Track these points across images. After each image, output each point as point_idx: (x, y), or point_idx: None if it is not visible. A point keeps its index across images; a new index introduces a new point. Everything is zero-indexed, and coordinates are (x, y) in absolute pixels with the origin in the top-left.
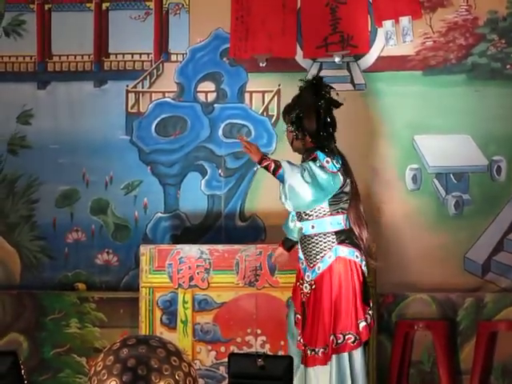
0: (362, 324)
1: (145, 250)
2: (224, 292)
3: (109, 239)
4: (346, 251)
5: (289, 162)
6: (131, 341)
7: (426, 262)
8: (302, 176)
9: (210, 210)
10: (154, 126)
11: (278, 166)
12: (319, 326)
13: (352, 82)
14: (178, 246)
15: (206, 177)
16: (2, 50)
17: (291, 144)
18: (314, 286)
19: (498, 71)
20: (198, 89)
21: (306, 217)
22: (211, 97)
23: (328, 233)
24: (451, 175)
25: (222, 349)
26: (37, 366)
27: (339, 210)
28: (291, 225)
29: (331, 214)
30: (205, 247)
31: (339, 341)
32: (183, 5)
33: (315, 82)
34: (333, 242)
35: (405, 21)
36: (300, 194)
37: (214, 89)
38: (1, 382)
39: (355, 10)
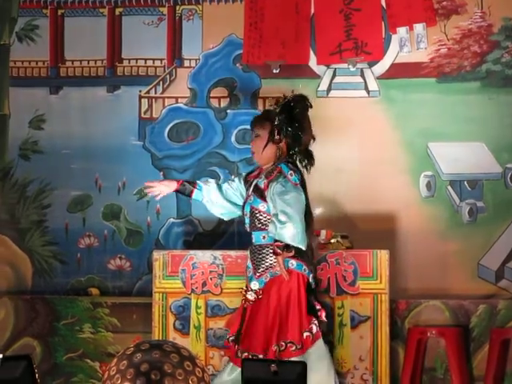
0: (306, 334)
1: (158, 256)
2: (237, 298)
3: (121, 244)
4: (294, 264)
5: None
6: (145, 346)
7: (439, 268)
8: (280, 221)
9: None
10: (166, 132)
11: (284, 245)
12: (264, 334)
13: (366, 88)
14: (192, 252)
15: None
16: (15, 55)
17: (261, 150)
18: (260, 296)
19: None
20: (211, 94)
21: (260, 225)
22: (224, 102)
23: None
24: (465, 182)
25: None
26: (50, 370)
27: None
28: (225, 192)
29: None
30: (218, 253)
31: (281, 348)
32: (196, 10)
33: (308, 101)
34: (287, 246)
35: (419, 28)
36: (293, 230)
37: (226, 94)
38: None
39: (369, 17)
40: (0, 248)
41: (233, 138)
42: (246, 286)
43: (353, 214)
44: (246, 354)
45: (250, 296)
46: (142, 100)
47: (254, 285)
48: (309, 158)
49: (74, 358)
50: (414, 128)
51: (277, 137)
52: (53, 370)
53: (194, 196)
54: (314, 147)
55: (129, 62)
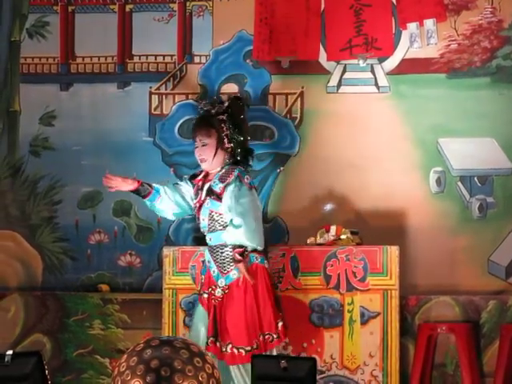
0: (280, 323)
1: (168, 252)
2: None
3: (131, 241)
4: (259, 258)
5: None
6: (154, 342)
7: (449, 264)
8: (235, 225)
9: None
10: (177, 128)
11: (243, 251)
12: (243, 325)
13: (376, 84)
14: (202, 248)
15: None
16: (26, 51)
17: (212, 158)
18: (227, 291)
19: None
20: (222, 90)
21: (220, 227)
22: None
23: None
24: (475, 178)
25: None
26: (60, 366)
27: None
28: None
29: None
30: None
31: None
32: (207, 7)
33: (242, 101)
34: (246, 250)
35: (429, 23)
36: (249, 232)
37: (237, 91)
38: (25, 382)
39: (379, 13)
40: (11, 244)
41: None
42: (214, 285)
43: (362, 209)
44: (230, 346)
45: (218, 293)
46: (153, 96)
47: (221, 282)
48: (250, 156)
49: (84, 354)
50: (424, 124)
51: (228, 145)
52: (63, 367)
53: (148, 198)
54: (324, 142)
55: (139, 59)
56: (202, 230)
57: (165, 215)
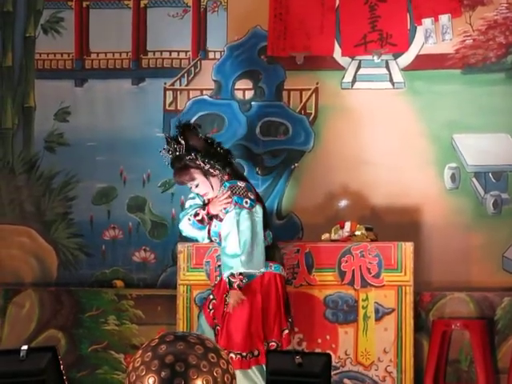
0: (285, 332)
1: (182, 248)
2: None
3: (146, 237)
4: (273, 266)
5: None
6: (169, 337)
7: (463, 260)
8: (232, 256)
9: None
10: None
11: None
12: (243, 332)
13: (391, 80)
14: (216, 245)
15: None
16: (41, 47)
17: (211, 189)
18: None
19: None
20: (236, 86)
21: None
22: (249, 94)
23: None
24: (490, 174)
25: None
26: (75, 362)
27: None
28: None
29: None
30: None
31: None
32: (221, 2)
33: (191, 125)
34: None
35: (444, 19)
36: (248, 258)
37: (251, 86)
38: (40, 377)
39: (394, 8)
40: (26, 240)
41: (257, 130)
42: (227, 291)
43: (377, 206)
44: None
45: (229, 299)
46: (167, 92)
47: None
48: (230, 158)
49: (99, 349)
50: (439, 120)
51: (215, 172)
52: (77, 362)
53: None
54: (338, 138)
55: (154, 54)
56: (216, 245)
57: (201, 240)
